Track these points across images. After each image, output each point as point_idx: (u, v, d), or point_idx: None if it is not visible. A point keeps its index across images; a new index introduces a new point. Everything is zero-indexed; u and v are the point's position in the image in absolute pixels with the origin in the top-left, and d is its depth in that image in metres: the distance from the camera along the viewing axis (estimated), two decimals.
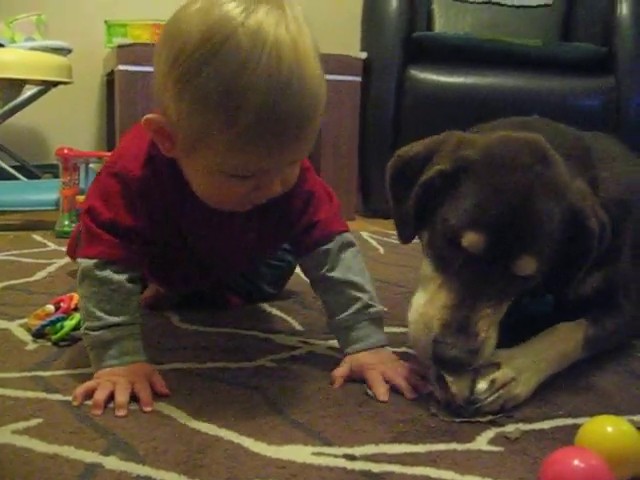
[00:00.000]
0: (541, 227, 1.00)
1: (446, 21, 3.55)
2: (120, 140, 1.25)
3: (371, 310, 1.16)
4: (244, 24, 0.92)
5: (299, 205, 1.19)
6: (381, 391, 1.06)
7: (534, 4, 3.59)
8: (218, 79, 0.92)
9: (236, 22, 0.92)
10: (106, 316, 1.05)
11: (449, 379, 1.00)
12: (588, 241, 1.05)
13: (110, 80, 3.25)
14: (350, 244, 1.21)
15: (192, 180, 1.07)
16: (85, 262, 1.08)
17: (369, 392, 1.07)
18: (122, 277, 1.08)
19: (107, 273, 1.07)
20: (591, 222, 1.05)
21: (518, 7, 3.58)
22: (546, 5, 3.59)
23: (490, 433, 0.94)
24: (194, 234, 1.23)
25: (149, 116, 1.02)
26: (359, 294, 1.16)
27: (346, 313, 1.15)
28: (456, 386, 0.99)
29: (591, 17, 3.36)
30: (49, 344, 1.22)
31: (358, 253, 1.22)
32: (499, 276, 1.01)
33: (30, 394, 1.00)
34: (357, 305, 1.16)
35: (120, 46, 2.79)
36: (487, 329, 1.00)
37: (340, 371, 1.11)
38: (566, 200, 1.04)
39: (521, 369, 1.04)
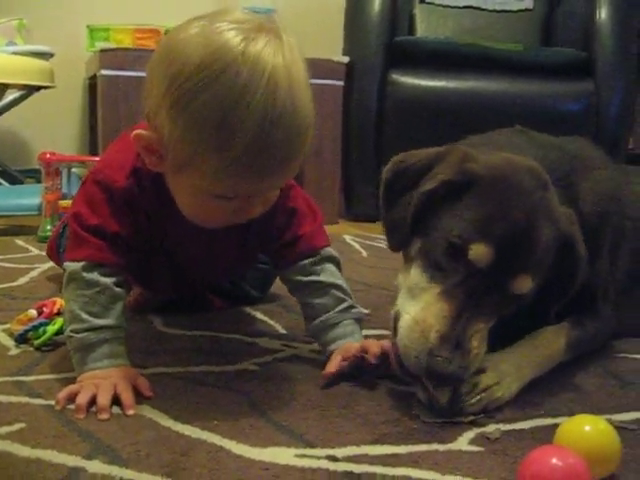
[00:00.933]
0: (540, 249, 1.03)
1: (427, 26, 3.57)
2: (107, 149, 1.26)
3: (354, 310, 1.20)
4: (244, 53, 0.94)
5: (282, 221, 1.22)
6: (374, 350, 1.10)
7: (515, 9, 3.62)
8: (215, 106, 0.94)
9: (236, 51, 0.94)
10: (91, 318, 1.06)
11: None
12: (575, 265, 1.08)
13: (92, 84, 3.24)
14: (333, 258, 1.24)
15: (176, 197, 1.10)
16: (72, 265, 1.09)
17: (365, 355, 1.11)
18: (109, 280, 1.09)
19: (94, 275, 1.08)
20: (580, 247, 1.08)
21: (499, 12, 3.61)
22: (527, 10, 3.62)
23: (471, 434, 0.95)
24: (177, 245, 1.26)
25: (139, 132, 1.03)
26: (344, 296, 1.20)
27: (333, 311, 1.18)
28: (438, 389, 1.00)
29: (571, 22, 3.39)
30: (32, 349, 1.21)
31: (339, 265, 1.25)
32: (497, 292, 1.02)
33: (13, 399, 1.00)
34: (343, 304, 1.19)
35: (103, 50, 2.79)
36: (478, 345, 1.01)
37: (332, 364, 1.12)
38: (558, 226, 1.06)
39: (504, 373, 1.06)
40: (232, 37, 0.95)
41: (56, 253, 1.63)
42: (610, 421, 0.88)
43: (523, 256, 1.01)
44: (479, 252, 0.99)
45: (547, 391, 1.11)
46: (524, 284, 1.02)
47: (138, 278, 1.38)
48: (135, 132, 1.03)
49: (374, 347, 1.12)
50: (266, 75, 0.94)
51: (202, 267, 1.33)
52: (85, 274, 1.07)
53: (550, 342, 1.15)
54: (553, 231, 1.05)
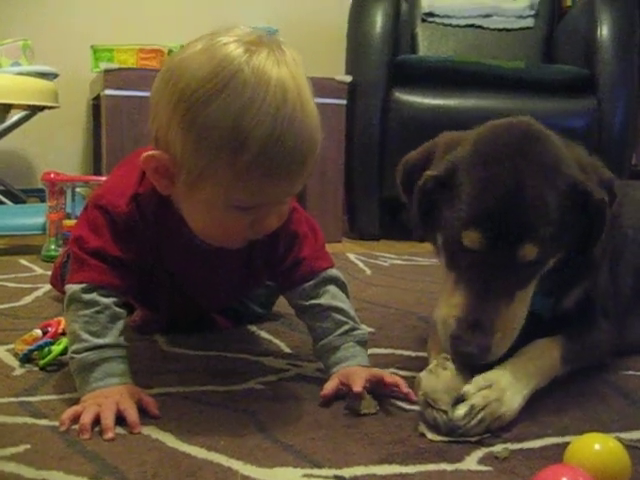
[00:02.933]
0: (535, 210, 1.05)
1: (429, 44, 3.59)
2: (110, 174, 1.27)
3: (357, 332, 1.19)
4: (249, 62, 0.97)
5: (284, 245, 1.22)
6: (358, 382, 1.07)
7: (516, 27, 3.65)
8: (226, 112, 0.95)
9: (241, 60, 0.97)
10: (92, 338, 1.05)
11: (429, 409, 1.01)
12: (597, 211, 1.08)
13: (96, 105, 3.25)
14: (335, 279, 1.23)
15: (191, 216, 1.10)
16: (73, 287, 1.09)
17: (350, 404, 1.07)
18: (109, 300, 1.09)
19: (94, 296, 1.08)
20: (596, 195, 1.08)
21: (500, 30, 3.63)
22: (528, 28, 3.65)
23: (479, 453, 0.94)
24: (179, 270, 1.26)
25: (151, 153, 1.04)
26: (345, 319, 1.19)
27: (333, 335, 1.17)
28: (435, 414, 0.99)
29: (572, 39, 3.40)
30: (36, 369, 1.21)
31: (343, 286, 1.24)
32: (505, 267, 1.05)
33: (18, 420, 0.99)
34: (344, 327, 1.18)
35: (107, 71, 2.81)
36: (504, 327, 1.05)
37: (329, 385, 1.11)
38: (561, 174, 1.08)
39: (503, 388, 1.03)
40: (234, 49, 0.99)
41: (60, 282, 1.64)
42: (619, 440, 0.87)
43: (519, 224, 1.04)
44: (470, 238, 1.06)
45: (554, 410, 1.10)
46: (529, 251, 1.04)
47: (141, 301, 1.39)
48: (146, 154, 1.04)
49: (357, 377, 1.09)
50: (273, 82, 0.97)
51: (205, 292, 1.34)
52: (84, 295, 1.08)
53: (544, 355, 1.14)
54: (551, 182, 1.06)
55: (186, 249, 1.17)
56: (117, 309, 1.09)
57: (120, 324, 1.09)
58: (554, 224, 1.06)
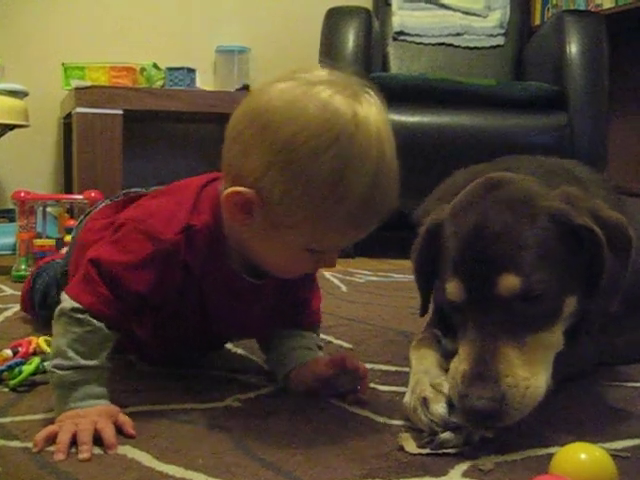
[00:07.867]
0: (505, 239, 1.01)
1: (401, 63, 3.62)
2: (149, 198, 1.21)
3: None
4: (355, 115, 0.99)
5: (304, 291, 1.28)
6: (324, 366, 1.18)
7: (486, 45, 3.69)
8: (334, 167, 0.98)
9: (348, 115, 0.99)
10: (77, 357, 1.02)
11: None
12: (591, 244, 1.02)
13: (67, 123, 3.23)
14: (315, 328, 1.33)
15: (262, 251, 1.10)
16: (69, 302, 1.04)
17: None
18: (101, 323, 1.04)
19: (86, 316, 1.04)
20: (577, 220, 1.03)
21: (471, 49, 3.67)
22: (498, 46, 3.69)
23: (463, 466, 0.92)
24: (213, 304, 1.19)
25: (238, 189, 1.02)
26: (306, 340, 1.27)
27: (286, 346, 1.25)
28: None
29: (542, 57, 3.45)
30: (7, 390, 1.18)
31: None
32: (500, 308, 1.00)
33: None
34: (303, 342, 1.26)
35: (78, 88, 2.79)
36: (512, 373, 0.97)
37: (320, 368, 1.19)
38: (535, 206, 1.04)
39: None
40: (340, 100, 1.00)
41: (31, 308, 1.63)
42: (604, 449, 0.86)
43: (489, 259, 1.01)
44: (450, 292, 1.04)
45: (537, 420, 1.08)
46: (509, 282, 0.99)
47: (155, 336, 1.25)
48: (232, 189, 1.02)
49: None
50: (374, 136, 1.00)
51: (230, 328, 1.28)
52: (78, 314, 1.03)
53: None
54: (526, 215, 1.03)
55: (229, 284, 1.15)
56: (108, 331, 1.05)
57: (109, 346, 1.06)
58: (533, 249, 1.01)
